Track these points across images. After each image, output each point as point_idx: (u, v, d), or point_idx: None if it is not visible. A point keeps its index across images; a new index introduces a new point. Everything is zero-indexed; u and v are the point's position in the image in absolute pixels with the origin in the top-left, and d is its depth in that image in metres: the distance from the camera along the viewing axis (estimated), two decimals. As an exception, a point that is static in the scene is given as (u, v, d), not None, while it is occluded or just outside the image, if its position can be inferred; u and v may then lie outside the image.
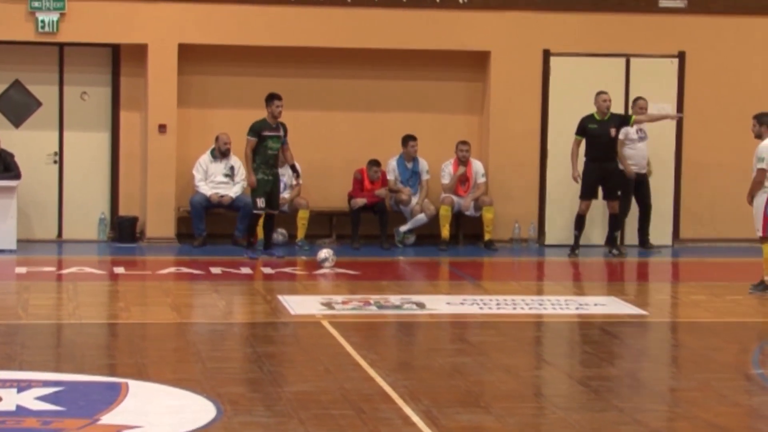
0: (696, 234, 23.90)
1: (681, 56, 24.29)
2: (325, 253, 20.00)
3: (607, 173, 22.76)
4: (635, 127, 23.34)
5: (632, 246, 23.68)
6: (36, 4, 22.87)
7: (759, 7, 24.34)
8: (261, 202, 21.68)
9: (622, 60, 24.20)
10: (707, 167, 23.74)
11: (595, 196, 22.89)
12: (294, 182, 22.68)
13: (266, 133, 21.37)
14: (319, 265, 19.75)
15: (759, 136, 18.74)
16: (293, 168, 21.76)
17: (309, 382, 12.89)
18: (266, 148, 21.54)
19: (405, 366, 14.08)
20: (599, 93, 22.83)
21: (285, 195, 22.95)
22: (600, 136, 22.77)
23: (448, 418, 11.16)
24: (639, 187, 23.52)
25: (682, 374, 14.46)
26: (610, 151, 22.88)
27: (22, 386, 12.16)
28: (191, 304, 18.95)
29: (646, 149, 23.56)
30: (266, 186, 21.79)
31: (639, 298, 19.47)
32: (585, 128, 22.81)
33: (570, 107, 23.29)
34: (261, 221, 22.02)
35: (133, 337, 16.11)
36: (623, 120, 23.04)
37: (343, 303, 17.42)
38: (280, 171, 22.17)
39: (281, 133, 21.72)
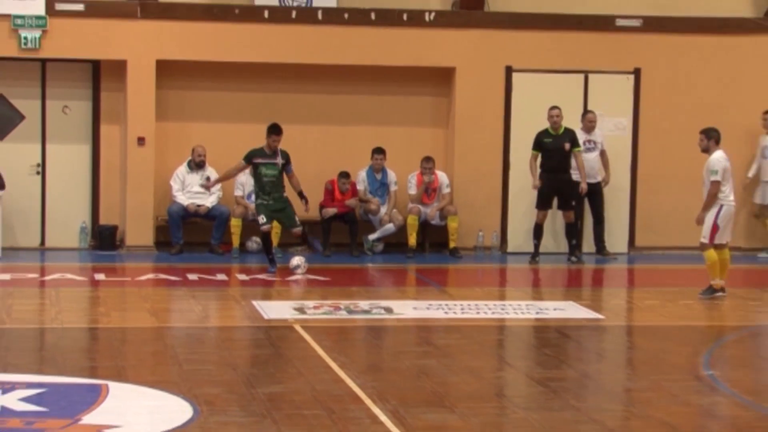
0: (650, 242, 24.09)
1: (637, 72, 24.53)
2: (297, 260, 19.81)
3: (561, 184, 22.95)
4: (583, 138, 23.47)
5: (590, 254, 23.83)
6: (19, 21, 22.93)
7: (711, 26, 24.60)
8: (261, 219, 21.55)
9: (581, 76, 24.42)
10: (661, 178, 23.97)
11: (550, 206, 23.14)
12: (304, 208, 22.36)
13: (258, 161, 21.37)
14: (291, 271, 19.56)
15: (706, 150, 18.88)
16: (300, 195, 21.67)
17: (282, 384, 13.04)
18: (261, 175, 21.51)
19: (373, 368, 14.23)
20: (551, 108, 23.07)
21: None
22: (554, 149, 23.01)
23: (414, 417, 11.30)
24: (592, 196, 23.69)
25: (636, 375, 14.64)
26: (564, 163, 23.09)
27: (5, 388, 12.25)
28: (169, 309, 18.98)
29: (596, 160, 23.69)
30: (266, 209, 21.64)
31: (595, 303, 19.62)
32: (540, 142, 23.02)
33: (531, 121, 23.42)
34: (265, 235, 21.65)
35: (113, 341, 16.19)
36: (575, 135, 23.27)
37: (315, 308, 17.57)
38: None
39: (278, 160, 21.57)
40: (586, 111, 23.82)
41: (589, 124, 23.45)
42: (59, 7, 23.16)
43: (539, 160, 23.10)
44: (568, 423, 11.72)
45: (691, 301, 18.58)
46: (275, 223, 22.15)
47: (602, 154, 23.61)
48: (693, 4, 24.83)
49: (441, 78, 24.40)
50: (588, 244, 23.95)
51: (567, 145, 22.97)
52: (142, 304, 18.78)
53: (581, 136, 23.47)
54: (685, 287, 19.47)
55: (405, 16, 24.01)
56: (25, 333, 16.55)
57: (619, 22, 24.39)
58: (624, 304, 20.27)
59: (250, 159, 21.43)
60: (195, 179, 23.47)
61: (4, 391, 12.13)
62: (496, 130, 24.17)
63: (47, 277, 21.11)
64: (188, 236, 23.52)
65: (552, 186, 22.93)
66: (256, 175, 21.71)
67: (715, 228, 18.38)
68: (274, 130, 21.44)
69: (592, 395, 13.48)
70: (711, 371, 14.04)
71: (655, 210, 24.00)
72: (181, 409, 11.66)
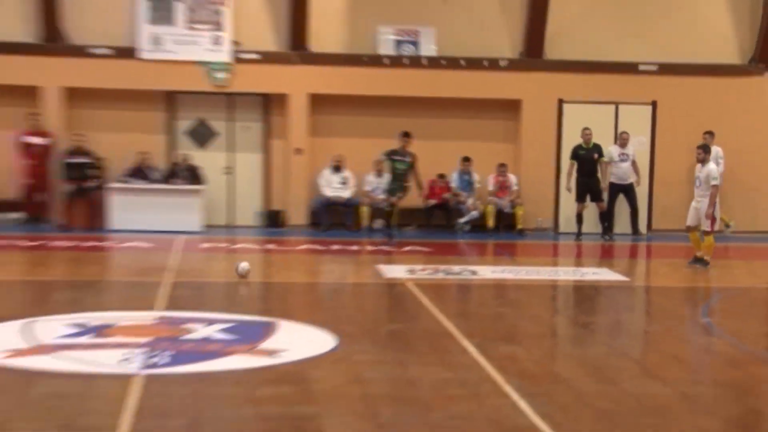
0: (664, 226, 24.22)
1: (654, 104, 24.66)
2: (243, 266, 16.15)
3: (591, 184, 23.12)
4: (617, 151, 23.51)
5: (624, 234, 23.97)
6: (213, 66, 23.62)
7: (707, 70, 24.69)
8: (390, 198, 22.09)
9: (613, 106, 24.52)
10: (671, 179, 24.09)
11: (585, 200, 23.26)
12: (419, 195, 22.98)
13: (394, 157, 21.85)
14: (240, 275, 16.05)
15: (702, 161, 18.54)
16: (419, 185, 22.11)
17: (399, 324, 13.56)
18: (394, 168, 21.96)
19: (463, 314, 14.52)
20: (584, 129, 23.23)
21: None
22: (585, 159, 23.21)
23: (492, 349, 11.55)
24: (627, 193, 23.77)
25: (653, 322, 14.99)
26: (593, 169, 23.24)
27: (208, 322, 12.86)
28: (318, 270, 19.32)
29: (629, 167, 23.63)
30: (393, 193, 22.07)
31: (623, 269, 19.78)
32: (576, 154, 23.19)
33: (575, 139, 23.59)
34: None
35: (281, 291, 16.73)
36: (601, 149, 23.33)
37: (421, 270, 17.65)
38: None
39: (407, 159, 21.99)
40: (622, 132, 23.86)
41: (623, 141, 23.49)
42: (241, 56, 23.82)
43: (575, 167, 23.30)
44: (602, 356, 12.03)
45: (693, 269, 18.56)
46: (394, 210, 22.52)
47: (633, 163, 23.56)
48: (695, 54, 24.87)
49: (511, 107, 24.53)
50: (622, 227, 24.07)
51: (595, 156, 23.18)
52: (299, 266, 19.46)
53: (617, 150, 23.56)
54: (689, 259, 19.11)
55: (485, 62, 24.32)
56: (224, 285, 16.93)
57: (641, 67, 24.66)
58: (644, 270, 20.58)
59: (389, 155, 21.92)
60: (335, 178, 23.94)
61: (208, 324, 12.72)
62: (551, 145, 24.45)
63: (234, 246, 21.49)
64: (332, 218, 23.85)
65: (585, 185, 23.13)
66: (392, 167, 22.08)
67: (714, 219, 18.47)
68: (406, 135, 21.84)
69: (620, 336, 13.78)
70: (707, 319, 14.38)
71: (667, 202, 24.14)
72: (328, 340, 12.03)
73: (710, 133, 22.75)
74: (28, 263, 19.22)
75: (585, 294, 17.25)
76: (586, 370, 11.21)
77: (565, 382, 10.60)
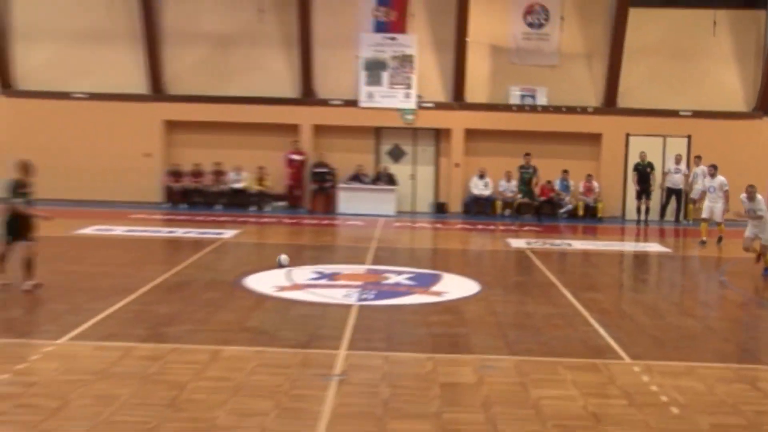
0: (694, 216, 23.20)
1: (689, 137, 25.53)
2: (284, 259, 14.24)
3: (644, 188, 24.09)
4: (674, 167, 24.08)
5: (668, 221, 24.22)
6: (405, 110, 25.61)
7: (722, 115, 25.30)
8: (519, 198, 22.81)
9: (661, 138, 25.56)
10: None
11: (641, 198, 24.10)
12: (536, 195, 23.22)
13: (522, 169, 22.96)
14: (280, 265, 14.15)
15: (713, 175, 19.18)
16: (534, 188, 22.90)
17: (522, 277, 14.36)
18: (522, 175, 22.99)
19: (562, 271, 14.97)
20: (641, 152, 24.45)
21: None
22: (642, 171, 24.22)
23: (581, 294, 12.17)
24: (677, 194, 24.37)
25: (686, 278, 15.78)
26: (647, 178, 24.07)
27: (399, 273, 13.86)
28: (468, 241, 19.91)
29: (681, 178, 24.20)
30: (522, 191, 22.80)
31: (668, 243, 19.93)
32: (636, 167, 24.22)
33: (636, 159, 24.59)
34: None
35: (444, 254, 17.53)
36: (653, 165, 24.17)
37: (535, 242, 18.30)
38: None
39: (530, 170, 23.05)
40: (678, 155, 24.36)
41: (678, 160, 24.33)
42: (422, 104, 25.50)
43: (635, 177, 24.21)
44: (653, 300, 12.54)
45: (711, 245, 18.45)
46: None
47: (685, 175, 24.16)
48: (716, 103, 25.39)
49: (595, 138, 25.53)
50: (669, 216, 24.48)
51: (648, 169, 24.16)
52: (455, 238, 20.27)
53: (673, 165, 24.08)
54: (709, 238, 18.91)
55: (578, 109, 25.56)
56: (406, 249, 17.76)
57: (681, 113, 25.62)
58: (682, 245, 20.63)
59: (520, 168, 23.07)
60: (480, 182, 25.15)
61: (398, 274, 13.66)
62: (621, 162, 25.36)
63: (415, 225, 22.49)
64: (477, 208, 24.96)
65: (641, 189, 24.13)
66: (520, 175, 23.07)
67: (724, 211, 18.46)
68: (527, 154, 23.13)
69: (665, 287, 14.61)
70: (723, 277, 14.84)
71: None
72: (474, 286, 12.73)
73: (699, 157, 23.41)
74: (288, 233, 20.20)
75: (641, 260, 17.42)
76: (643, 309, 11.70)
77: (629, 317, 11.04)
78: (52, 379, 7.76)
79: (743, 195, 15.60)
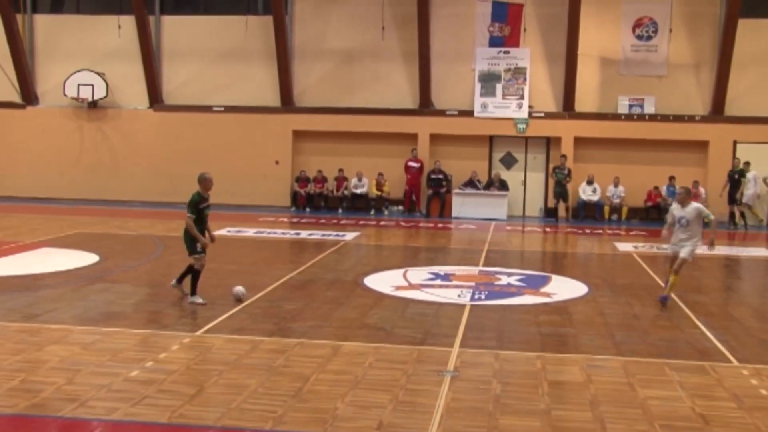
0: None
1: None
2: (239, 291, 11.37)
3: (732, 194, 23.44)
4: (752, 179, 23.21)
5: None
6: (518, 120, 25.30)
7: None
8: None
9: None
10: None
11: (732, 202, 23.45)
12: None
13: (556, 170, 22.60)
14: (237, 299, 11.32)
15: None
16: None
17: (627, 279, 13.91)
18: (556, 176, 22.97)
19: (664, 269, 13.67)
20: (734, 158, 23.81)
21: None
22: (733, 179, 23.53)
23: (687, 297, 12.02)
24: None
25: (752, 274, 15.29)
26: (736, 185, 23.50)
27: (509, 274, 13.80)
28: (576, 244, 19.07)
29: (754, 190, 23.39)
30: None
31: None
32: (729, 174, 23.54)
33: (753, 167, 23.73)
34: None
35: (553, 256, 17.02)
36: (743, 172, 23.10)
37: (642, 246, 17.95)
38: None
39: (565, 171, 23.09)
40: None
41: None
42: (534, 114, 25.11)
43: (727, 183, 23.47)
44: (761, 303, 12.23)
45: None
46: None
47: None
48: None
49: (702, 145, 24.93)
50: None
51: (737, 176, 23.48)
52: (564, 241, 19.69)
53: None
54: None
55: (686, 117, 24.93)
56: (516, 251, 17.25)
57: None
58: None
59: (554, 169, 23.03)
60: (588, 188, 24.60)
61: (509, 275, 13.60)
62: (727, 168, 24.21)
63: (525, 229, 21.99)
64: (586, 212, 24.44)
65: (732, 193, 23.51)
66: (555, 177, 23.30)
67: None
68: (564, 156, 23.15)
69: (754, 277, 14.68)
70: None
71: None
72: (583, 288, 12.66)
73: (747, 163, 22.99)
74: (405, 236, 20.01)
75: (747, 264, 16.83)
76: (751, 312, 11.38)
77: (737, 320, 10.69)
78: (189, 368, 7.98)
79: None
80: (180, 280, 11.29)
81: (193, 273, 10.97)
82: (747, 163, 23.03)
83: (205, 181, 10.87)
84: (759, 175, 23.13)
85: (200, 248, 10.80)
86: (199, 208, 10.69)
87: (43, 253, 15.38)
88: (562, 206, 23.91)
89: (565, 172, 23.42)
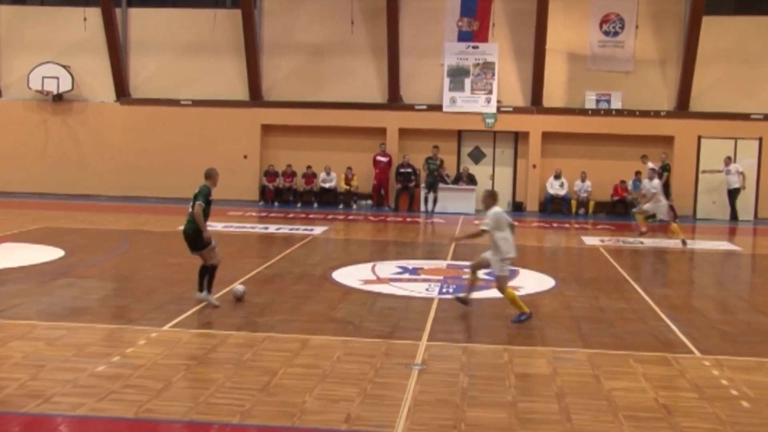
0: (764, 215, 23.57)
1: (760, 139, 24.95)
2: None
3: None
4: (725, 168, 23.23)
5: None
6: (486, 115, 25.41)
7: None
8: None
9: (732, 141, 24.74)
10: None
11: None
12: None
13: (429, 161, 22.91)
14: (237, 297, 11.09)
15: (651, 178, 18.02)
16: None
17: (593, 273, 13.95)
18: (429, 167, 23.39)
19: (634, 267, 14.67)
20: (726, 157, 23.94)
21: None
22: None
23: (652, 290, 12.02)
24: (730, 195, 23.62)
25: (756, 276, 15.30)
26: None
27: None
28: (544, 238, 19.23)
29: (733, 178, 23.48)
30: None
31: (738, 242, 19.24)
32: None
33: (708, 162, 24.23)
34: None
35: (518, 250, 16.30)
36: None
37: (608, 240, 18.09)
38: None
39: (437, 162, 23.59)
40: (727, 157, 23.71)
41: (727, 162, 23.49)
42: (502, 109, 25.23)
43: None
44: (724, 296, 12.35)
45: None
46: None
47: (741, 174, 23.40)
48: None
49: (667, 140, 25.07)
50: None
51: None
52: (532, 235, 19.63)
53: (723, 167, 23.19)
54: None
55: (652, 113, 25.17)
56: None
57: (752, 116, 25.08)
58: (751, 243, 19.74)
59: (427, 159, 23.51)
60: (556, 183, 24.93)
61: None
62: (693, 163, 24.83)
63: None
64: (553, 207, 24.77)
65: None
66: (427, 167, 23.51)
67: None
68: (436, 147, 23.56)
69: (736, 283, 14.20)
70: None
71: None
72: (549, 281, 12.73)
73: (729, 158, 23.33)
74: (373, 230, 20.01)
75: (711, 257, 16.82)
76: (713, 304, 11.48)
77: (699, 312, 10.85)
78: (156, 363, 7.94)
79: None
80: (202, 287, 10.58)
81: (210, 271, 10.51)
82: (729, 158, 23.42)
83: (215, 176, 10.58)
84: (740, 168, 23.60)
85: (211, 240, 10.39)
86: (209, 200, 10.34)
87: (6, 248, 15.27)
88: (431, 197, 23.97)
89: (438, 162, 23.66)
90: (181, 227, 10.71)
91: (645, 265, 15.53)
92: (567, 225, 21.87)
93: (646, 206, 18.18)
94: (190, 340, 8.81)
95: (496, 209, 10.23)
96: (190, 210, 10.40)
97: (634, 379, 7.77)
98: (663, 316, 10.53)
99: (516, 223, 10.69)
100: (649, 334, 9.55)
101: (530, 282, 12.71)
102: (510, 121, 25.20)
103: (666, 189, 21.92)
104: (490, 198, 10.43)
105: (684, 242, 17.53)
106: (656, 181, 18.26)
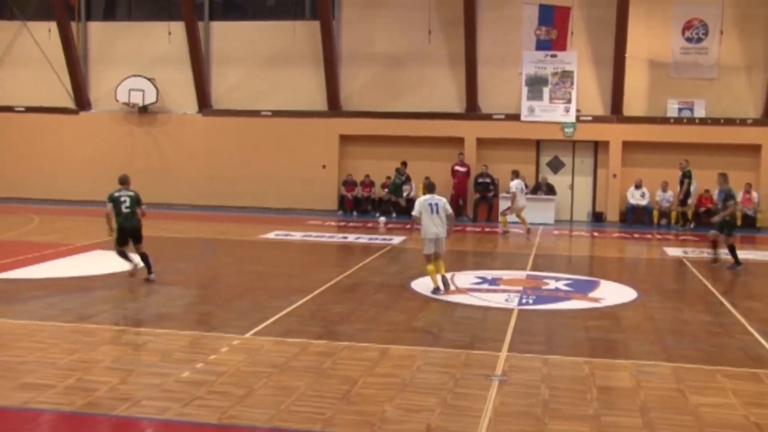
0: None
1: None
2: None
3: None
4: None
5: None
6: (565, 125, 25.23)
7: None
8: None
9: None
10: None
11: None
12: None
13: None
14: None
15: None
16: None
17: (677, 284, 14.15)
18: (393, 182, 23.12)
19: (719, 279, 14.35)
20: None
21: None
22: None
23: (740, 303, 11.88)
24: None
25: None
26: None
27: (557, 279, 13.76)
28: (625, 249, 18.78)
29: None
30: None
31: None
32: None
33: None
34: None
35: (601, 261, 16.72)
36: None
37: (692, 251, 17.81)
38: None
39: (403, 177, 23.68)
40: None
41: None
42: (581, 118, 25.17)
43: None
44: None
45: None
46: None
47: None
48: None
49: (754, 150, 24.65)
50: None
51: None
52: (612, 246, 19.29)
53: None
54: None
55: (737, 121, 24.60)
56: (564, 256, 17.40)
57: None
58: None
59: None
60: (636, 192, 24.67)
61: (556, 280, 13.56)
62: None
63: (573, 233, 21.85)
64: (634, 217, 24.37)
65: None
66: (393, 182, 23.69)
67: None
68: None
69: None
70: None
71: None
72: (632, 293, 12.64)
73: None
74: (452, 240, 18.23)
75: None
76: None
77: None
78: (238, 370, 8.07)
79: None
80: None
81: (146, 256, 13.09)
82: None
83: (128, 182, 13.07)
84: None
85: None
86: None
87: (95, 256, 15.72)
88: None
89: (403, 178, 24.14)
90: (124, 223, 12.78)
91: (732, 277, 15.12)
92: (648, 236, 21.63)
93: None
94: (272, 348, 8.92)
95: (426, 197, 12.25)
96: (128, 210, 12.82)
97: (722, 394, 7.60)
98: (752, 330, 10.29)
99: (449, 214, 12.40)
100: (737, 349, 9.33)
101: (612, 293, 12.65)
102: (589, 131, 25.00)
103: (687, 197, 22.73)
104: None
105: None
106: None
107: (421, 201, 12.52)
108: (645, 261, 17.43)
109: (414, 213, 12.52)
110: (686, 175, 22.84)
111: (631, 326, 10.39)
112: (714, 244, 16.27)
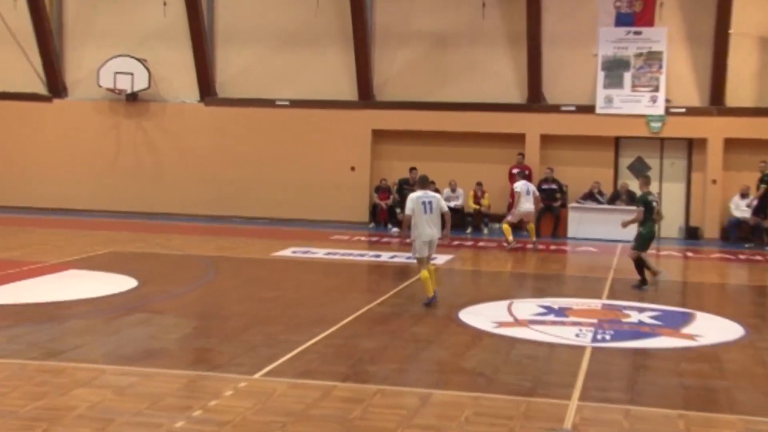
0: None
1: None
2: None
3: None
4: None
5: None
6: (651, 118, 25.29)
7: None
8: None
9: None
10: None
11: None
12: None
13: None
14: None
15: None
16: None
17: None
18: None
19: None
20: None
21: None
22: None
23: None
24: None
25: None
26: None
27: (641, 310, 13.72)
28: (727, 273, 19.20)
29: None
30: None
31: None
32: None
33: None
34: None
35: (697, 288, 16.96)
36: None
37: None
38: None
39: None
40: None
41: None
42: (672, 110, 25.15)
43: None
44: None
45: None
46: None
47: None
48: None
49: None
50: None
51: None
52: (711, 269, 19.38)
53: None
54: None
55: None
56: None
57: None
58: None
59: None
60: (742, 203, 24.64)
61: (640, 311, 13.56)
62: None
63: (660, 253, 21.24)
64: (739, 234, 24.17)
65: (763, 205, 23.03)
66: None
67: None
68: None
69: None
70: None
71: None
72: (737, 329, 12.34)
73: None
74: (508, 260, 20.10)
75: None
76: None
77: None
78: (245, 419, 8.00)
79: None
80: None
81: None
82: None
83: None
84: None
85: None
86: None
87: (70, 276, 15.74)
88: None
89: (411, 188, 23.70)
90: None
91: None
92: (758, 257, 21.52)
93: None
94: (286, 392, 8.88)
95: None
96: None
97: None
98: None
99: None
100: None
101: (711, 329, 12.60)
102: (682, 125, 24.96)
103: (763, 204, 22.91)
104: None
105: None
106: None
107: (414, 198, 13.04)
108: (754, 289, 17.37)
109: (406, 212, 13.15)
110: (764, 180, 22.92)
111: (736, 371, 10.26)
112: None
